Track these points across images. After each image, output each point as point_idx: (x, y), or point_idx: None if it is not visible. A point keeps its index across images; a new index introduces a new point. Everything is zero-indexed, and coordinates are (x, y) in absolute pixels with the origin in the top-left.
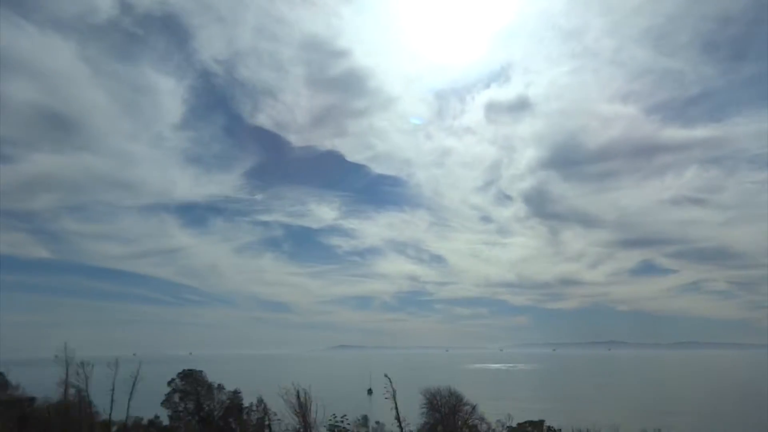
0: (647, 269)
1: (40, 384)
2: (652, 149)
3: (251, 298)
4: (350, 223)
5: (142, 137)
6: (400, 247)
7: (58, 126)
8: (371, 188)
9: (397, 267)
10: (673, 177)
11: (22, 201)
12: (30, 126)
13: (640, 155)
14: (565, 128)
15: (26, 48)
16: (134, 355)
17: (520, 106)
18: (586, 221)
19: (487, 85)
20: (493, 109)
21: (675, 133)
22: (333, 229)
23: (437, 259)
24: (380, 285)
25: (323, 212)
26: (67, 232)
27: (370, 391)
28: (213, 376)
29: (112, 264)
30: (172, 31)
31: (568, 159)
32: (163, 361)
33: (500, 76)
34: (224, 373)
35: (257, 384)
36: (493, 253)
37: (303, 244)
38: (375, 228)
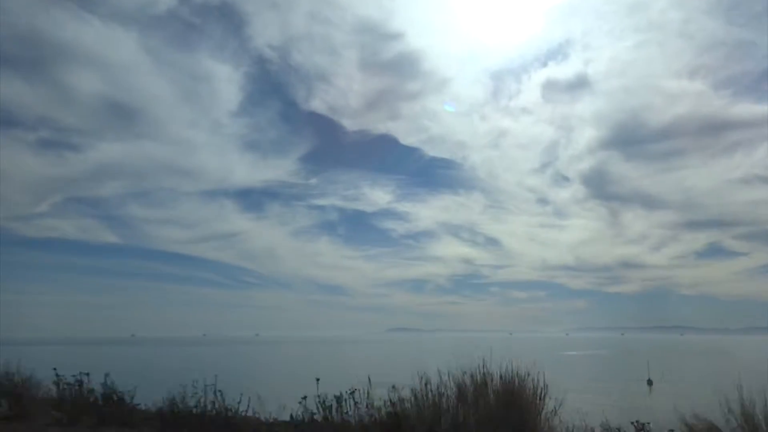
0: (714, 252)
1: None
2: (721, 126)
3: (308, 281)
4: (404, 207)
5: (200, 124)
6: (455, 230)
7: (122, 115)
8: (425, 171)
9: (451, 250)
10: (743, 155)
11: (91, 188)
12: (96, 116)
13: (707, 133)
14: (627, 106)
15: (91, 41)
16: (204, 335)
17: (580, 85)
18: (649, 202)
19: (545, 64)
20: (550, 88)
21: (747, 108)
22: (387, 213)
23: (492, 242)
24: (434, 268)
25: (377, 196)
26: (133, 218)
27: (650, 382)
28: (300, 359)
29: (175, 248)
30: (228, 19)
31: (630, 138)
32: (235, 342)
33: (558, 53)
34: (312, 356)
35: (374, 368)
36: (550, 235)
37: (357, 227)
38: (429, 211)
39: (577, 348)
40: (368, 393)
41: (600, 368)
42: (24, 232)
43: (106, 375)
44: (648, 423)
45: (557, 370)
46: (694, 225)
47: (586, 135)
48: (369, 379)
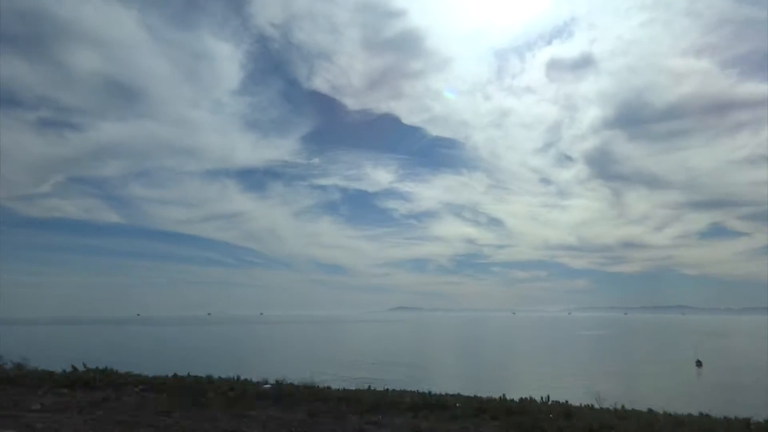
0: (717, 232)
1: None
2: (726, 106)
3: (310, 261)
4: (406, 186)
5: (202, 104)
6: (457, 210)
7: (123, 94)
8: (427, 151)
9: (453, 230)
10: (749, 135)
11: (92, 168)
12: (96, 95)
13: (713, 113)
14: (631, 85)
15: (91, 19)
16: (209, 315)
17: (584, 63)
18: (652, 183)
19: (549, 42)
20: (554, 67)
21: (753, 88)
22: (389, 193)
23: (495, 222)
24: (436, 248)
25: (379, 175)
26: (135, 198)
27: (699, 363)
28: (305, 338)
29: (178, 228)
30: None
31: (634, 118)
32: (241, 321)
33: (563, 32)
34: (317, 335)
35: (388, 346)
36: (553, 215)
37: (359, 207)
38: (431, 191)
39: (589, 328)
40: None
41: (630, 349)
42: (27, 212)
43: None
44: None
45: (591, 353)
46: (697, 205)
47: (590, 115)
48: None
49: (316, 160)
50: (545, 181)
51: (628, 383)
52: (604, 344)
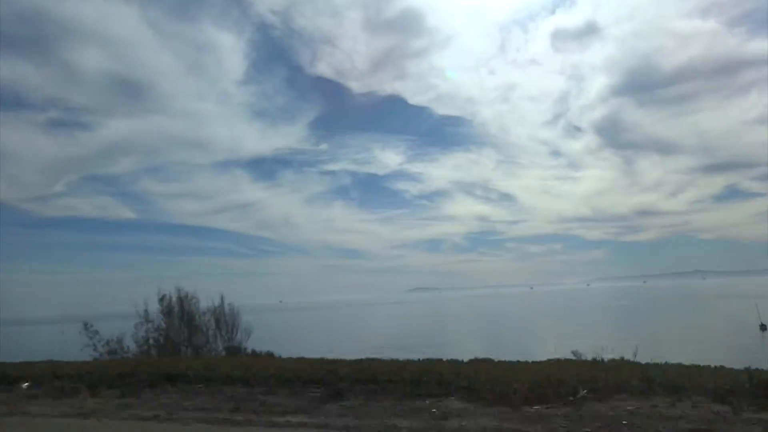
0: (732, 194)
1: None
2: (735, 65)
3: (325, 247)
4: (416, 167)
5: (208, 96)
6: (468, 188)
7: (129, 91)
8: (435, 130)
9: (465, 208)
10: (759, 94)
11: (104, 166)
12: (103, 93)
13: (722, 73)
14: (638, 51)
15: (93, 17)
16: (228, 305)
17: (589, 31)
18: (664, 148)
19: (552, 12)
20: (559, 37)
21: (762, 45)
22: (399, 174)
23: (507, 198)
24: (450, 227)
25: (388, 158)
26: (148, 193)
27: (763, 327)
28: (332, 323)
29: (192, 221)
30: None
31: (643, 84)
32: (262, 310)
33: (566, 0)
34: (342, 319)
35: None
36: (565, 188)
37: (371, 190)
38: (441, 170)
39: (617, 298)
40: None
41: (678, 317)
42: (42, 212)
43: None
44: None
45: (641, 323)
46: (710, 168)
47: (598, 83)
48: None
49: (324, 146)
50: (555, 153)
51: (702, 352)
52: (647, 314)
